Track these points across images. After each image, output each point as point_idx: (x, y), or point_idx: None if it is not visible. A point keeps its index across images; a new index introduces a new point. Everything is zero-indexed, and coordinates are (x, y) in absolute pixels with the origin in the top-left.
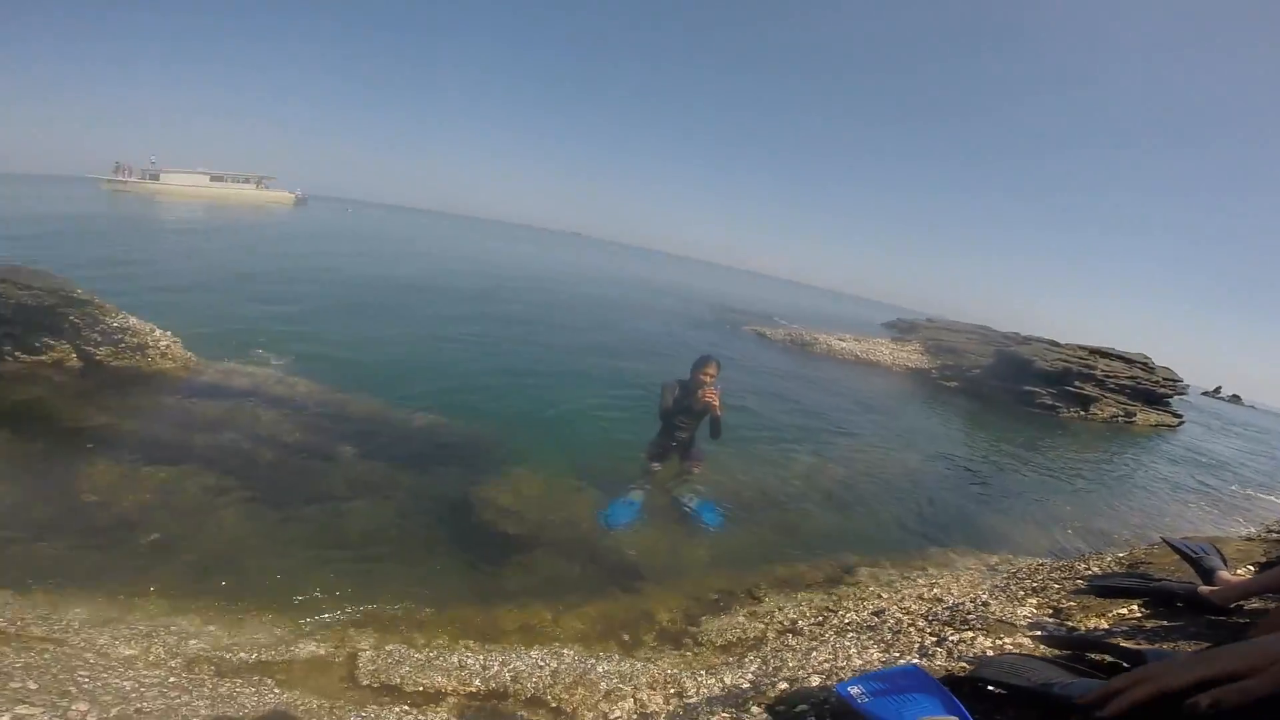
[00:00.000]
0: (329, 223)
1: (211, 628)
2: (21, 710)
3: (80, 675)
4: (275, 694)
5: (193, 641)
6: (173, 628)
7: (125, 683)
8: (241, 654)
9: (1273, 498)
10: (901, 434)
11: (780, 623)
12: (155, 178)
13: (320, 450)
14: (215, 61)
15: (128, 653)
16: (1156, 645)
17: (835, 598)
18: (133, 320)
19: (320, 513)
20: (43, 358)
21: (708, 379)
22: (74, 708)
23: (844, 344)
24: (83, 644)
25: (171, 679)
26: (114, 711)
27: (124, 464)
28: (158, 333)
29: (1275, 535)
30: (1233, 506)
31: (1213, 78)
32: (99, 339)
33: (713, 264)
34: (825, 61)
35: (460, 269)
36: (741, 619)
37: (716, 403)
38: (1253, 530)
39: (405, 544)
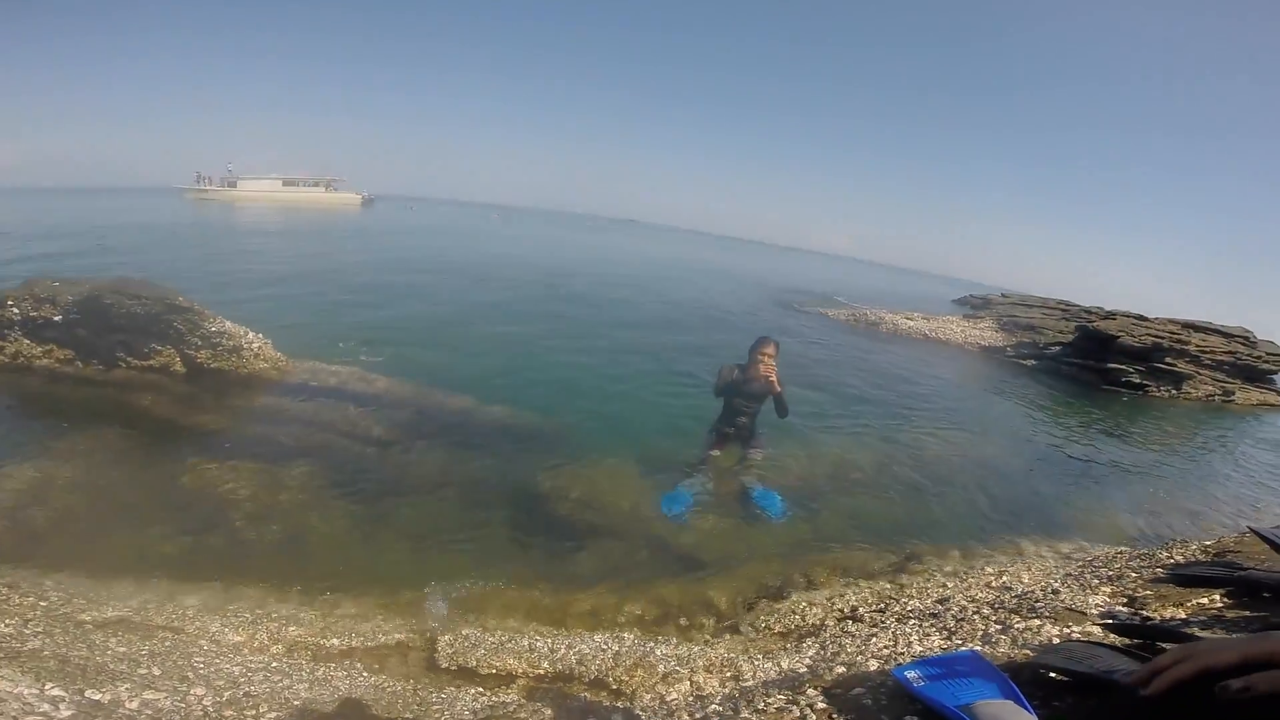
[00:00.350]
0: (395, 220)
1: (308, 614)
2: (149, 695)
3: (196, 661)
4: (364, 677)
5: (292, 628)
6: (274, 615)
7: (235, 668)
8: (334, 639)
9: None
10: (973, 415)
11: (840, 609)
12: (233, 185)
13: (400, 444)
14: (277, 65)
15: (236, 639)
16: (1233, 635)
17: (898, 585)
18: (228, 324)
19: (401, 504)
20: (150, 362)
21: (767, 358)
22: (192, 692)
23: (912, 323)
24: (197, 631)
25: (274, 664)
26: (226, 695)
27: (224, 460)
28: (250, 335)
29: None
30: None
31: None
32: (199, 343)
33: (768, 244)
34: (879, 30)
35: (520, 259)
36: (801, 605)
37: (775, 378)
38: None
39: (479, 533)
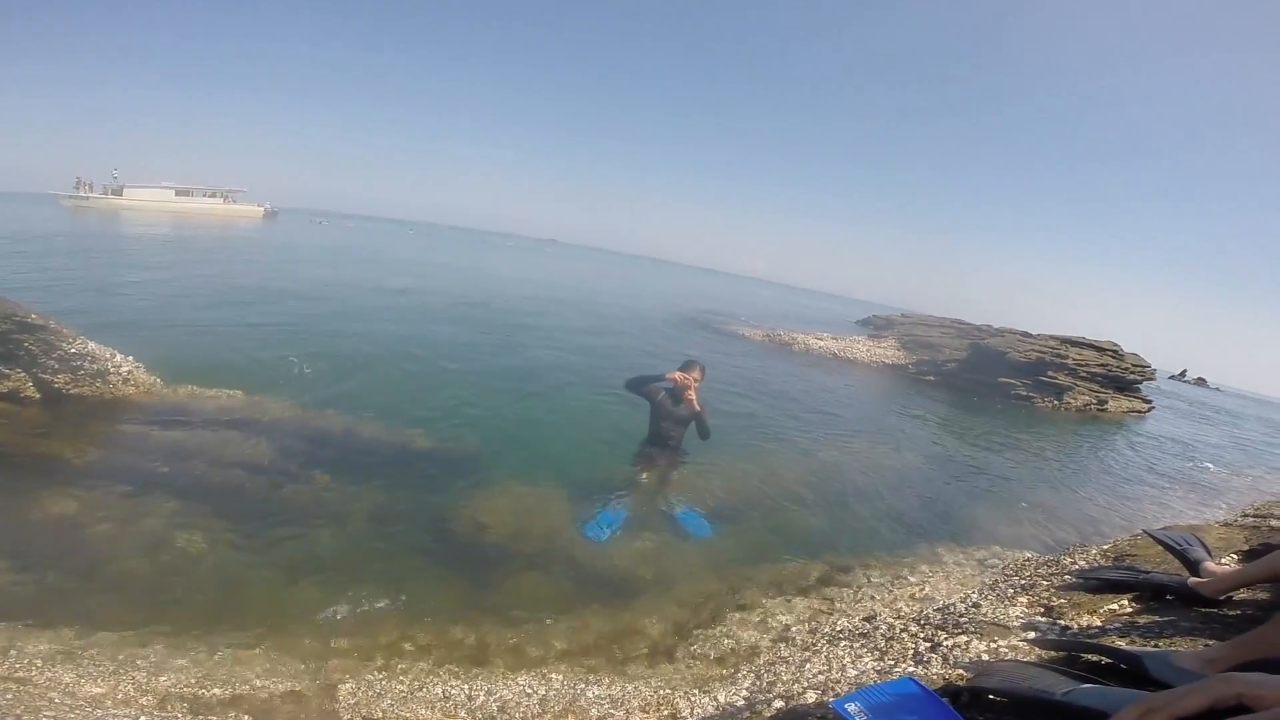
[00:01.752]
0: (298, 236)
1: (182, 661)
2: None
3: (45, 716)
4: None
5: (163, 677)
6: (140, 662)
7: None
8: (215, 689)
9: (1242, 479)
10: (883, 430)
11: (773, 629)
12: (118, 193)
13: (290, 473)
14: (188, 71)
15: (95, 691)
16: (1151, 643)
17: (827, 600)
18: (91, 345)
19: (291, 538)
20: None
21: (692, 382)
22: None
23: (822, 343)
24: (47, 682)
25: (143, 717)
26: None
27: (84, 495)
28: (118, 358)
29: (1252, 520)
30: (1208, 490)
31: (1181, 74)
32: (56, 366)
33: (690, 265)
34: (794, 62)
35: (433, 279)
36: (734, 628)
37: (695, 400)
38: (1229, 514)
39: (381, 567)
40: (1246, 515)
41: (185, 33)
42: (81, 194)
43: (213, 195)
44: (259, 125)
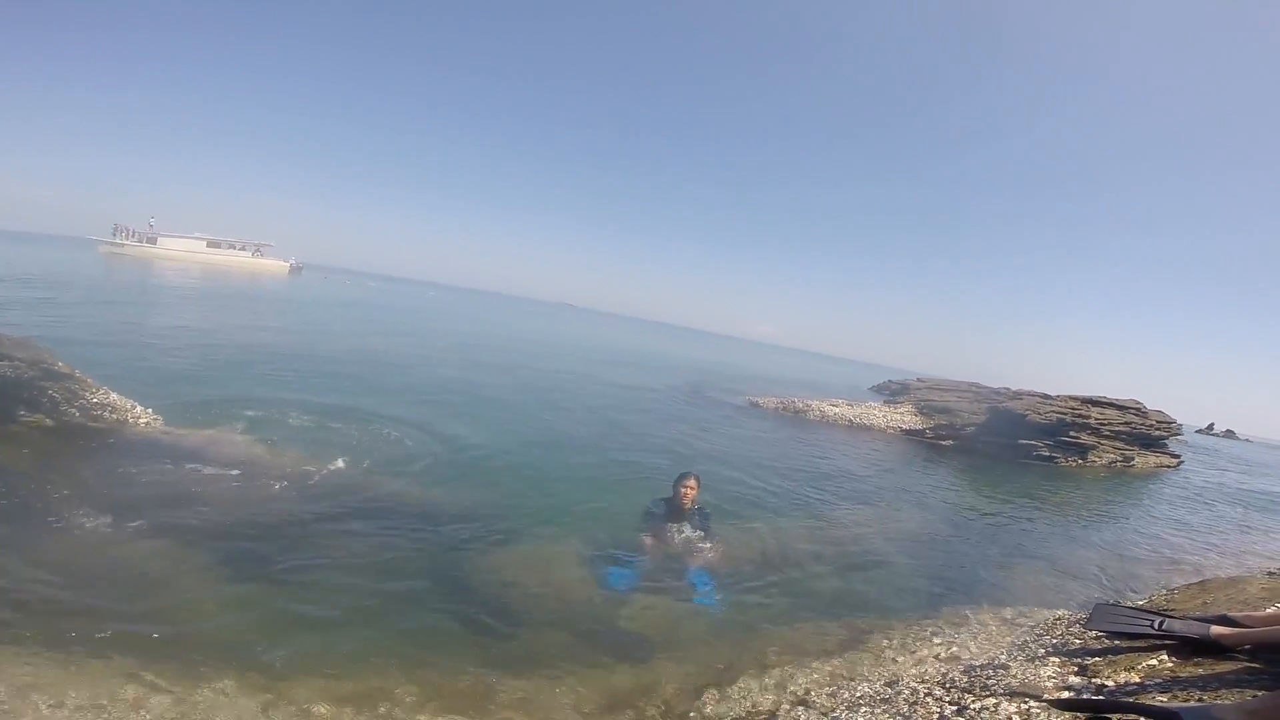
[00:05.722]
0: (323, 292)
1: (163, 699)
2: None
3: None
4: None
5: (146, 716)
6: (119, 698)
7: None
8: None
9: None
10: (903, 494)
11: (792, 693)
12: (153, 241)
13: (299, 520)
14: (224, 130)
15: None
16: (1196, 697)
17: (848, 664)
18: (114, 396)
19: (296, 583)
20: (13, 427)
21: (689, 490)
22: None
23: (837, 409)
24: (29, 714)
25: None
26: None
27: (88, 531)
28: (138, 409)
29: None
30: (1246, 539)
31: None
32: (77, 414)
33: (704, 331)
34: (809, 126)
35: (454, 340)
36: (752, 690)
37: (691, 501)
38: (1274, 563)
39: (388, 615)
40: None
41: (223, 94)
42: (119, 240)
43: (242, 248)
44: (289, 183)
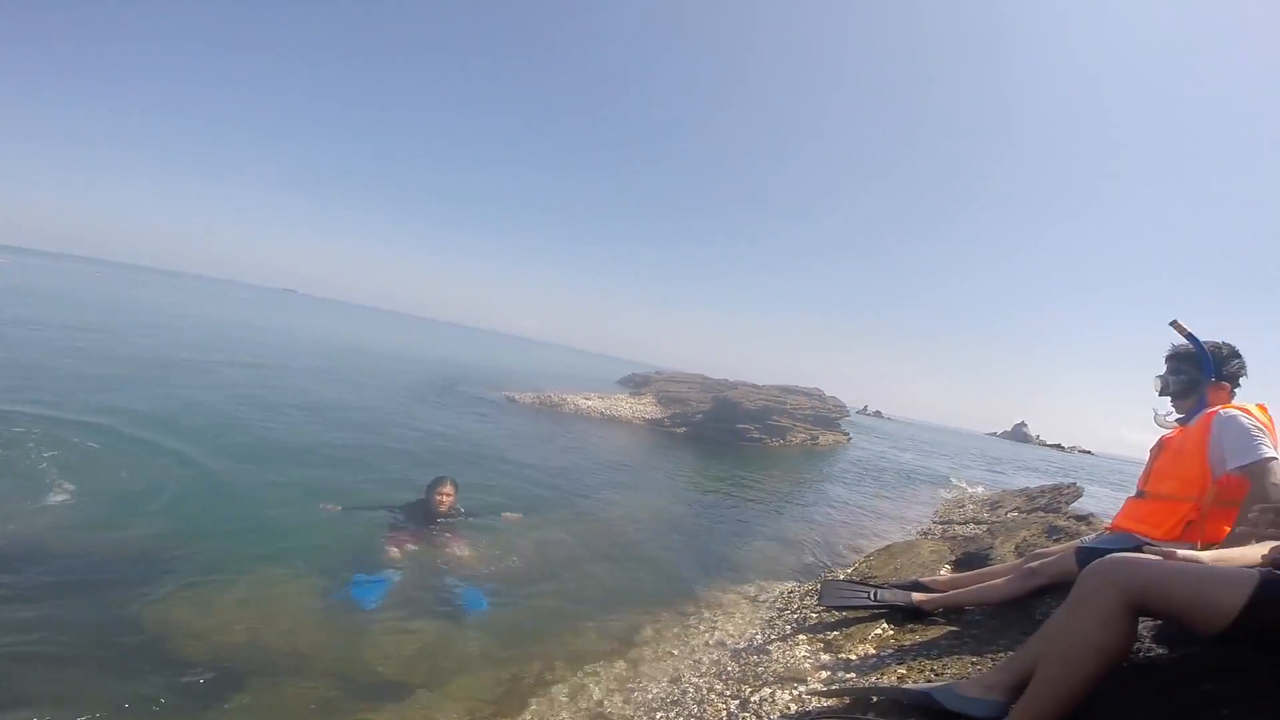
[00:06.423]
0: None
1: None
2: None
3: None
4: None
5: None
6: None
7: None
8: None
9: (921, 489)
10: (649, 482)
11: (587, 709)
12: None
13: None
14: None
15: None
16: (925, 669)
17: (632, 664)
18: None
19: None
20: None
21: (445, 497)
22: None
23: (590, 402)
24: None
25: None
26: None
27: None
28: None
29: (941, 527)
30: (903, 504)
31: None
32: None
33: (460, 325)
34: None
35: (133, 330)
36: (543, 713)
37: (450, 506)
38: (926, 521)
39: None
40: (938, 522)
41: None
42: None
43: None
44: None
